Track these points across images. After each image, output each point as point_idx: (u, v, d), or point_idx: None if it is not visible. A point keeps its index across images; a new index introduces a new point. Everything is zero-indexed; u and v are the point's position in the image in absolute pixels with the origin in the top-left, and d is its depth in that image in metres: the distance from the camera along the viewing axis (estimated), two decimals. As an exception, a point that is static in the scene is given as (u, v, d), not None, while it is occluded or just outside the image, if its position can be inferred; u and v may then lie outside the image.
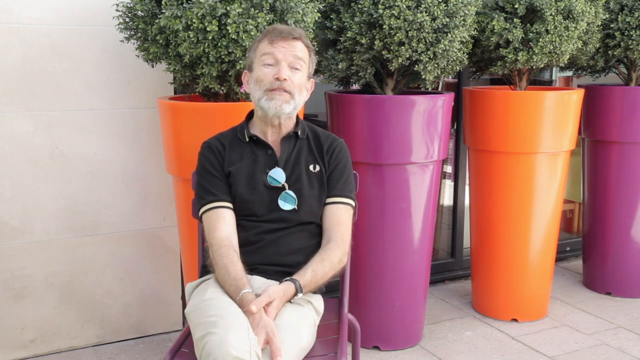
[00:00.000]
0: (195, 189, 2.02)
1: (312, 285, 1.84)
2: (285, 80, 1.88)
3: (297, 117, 2.04)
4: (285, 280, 1.80)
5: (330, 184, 1.99)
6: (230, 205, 1.94)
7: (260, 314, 1.67)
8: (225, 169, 1.95)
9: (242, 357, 1.52)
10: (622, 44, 3.15)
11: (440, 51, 2.51)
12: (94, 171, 2.81)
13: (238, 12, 2.15)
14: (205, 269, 2.00)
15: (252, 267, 1.89)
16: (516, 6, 2.75)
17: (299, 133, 2.00)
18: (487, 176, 3.08)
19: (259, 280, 1.86)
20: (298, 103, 1.93)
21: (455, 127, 3.74)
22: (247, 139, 1.98)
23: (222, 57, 2.21)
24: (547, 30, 2.75)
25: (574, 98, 3.01)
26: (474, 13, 2.62)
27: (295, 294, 1.78)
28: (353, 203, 2.01)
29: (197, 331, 1.65)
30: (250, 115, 2.05)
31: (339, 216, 1.97)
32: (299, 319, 1.76)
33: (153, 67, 2.65)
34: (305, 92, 1.98)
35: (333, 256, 1.89)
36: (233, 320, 1.62)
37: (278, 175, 1.94)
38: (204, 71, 2.25)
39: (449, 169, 3.90)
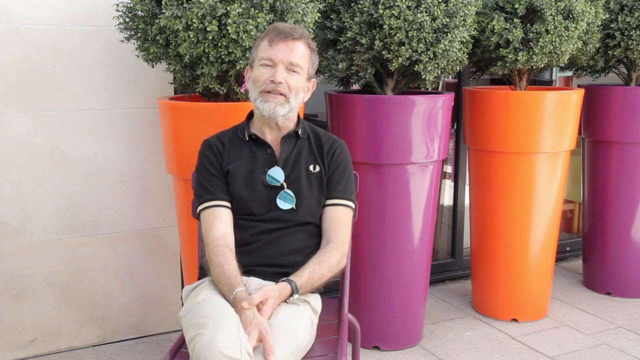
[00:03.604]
0: (194, 187, 2.02)
1: (309, 286, 1.83)
2: (280, 83, 1.86)
3: (298, 116, 2.03)
4: (282, 281, 1.79)
5: (330, 185, 1.98)
6: (228, 204, 1.93)
7: (254, 313, 1.66)
8: (224, 167, 1.95)
9: (234, 355, 1.52)
10: (622, 44, 3.15)
11: (440, 51, 2.51)
12: (94, 171, 2.81)
13: (238, 12, 2.15)
14: (202, 270, 2.00)
15: (249, 269, 1.88)
16: (516, 6, 2.75)
17: (300, 132, 1.99)
18: (487, 176, 3.08)
19: (255, 282, 1.86)
20: (294, 106, 1.92)
21: (455, 127, 3.74)
22: (247, 138, 1.98)
23: (222, 57, 2.21)
24: (547, 30, 2.75)
25: (574, 98, 3.01)
26: (474, 13, 2.62)
27: (291, 295, 1.78)
28: (353, 205, 2.01)
29: (188, 334, 1.66)
30: (251, 114, 2.05)
31: (339, 218, 1.96)
32: (294, 317, 1.76)
33: (153, 67, 2.65)
34: (303, 94, 1.95)
35: (332, 258, 1.88)
36: (222, 320, 1.62)
37: (277, 174, 1.94)
38: (204, 71, 2.25)
39: (449, 169, 3.90)
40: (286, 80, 1.87)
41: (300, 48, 1.90)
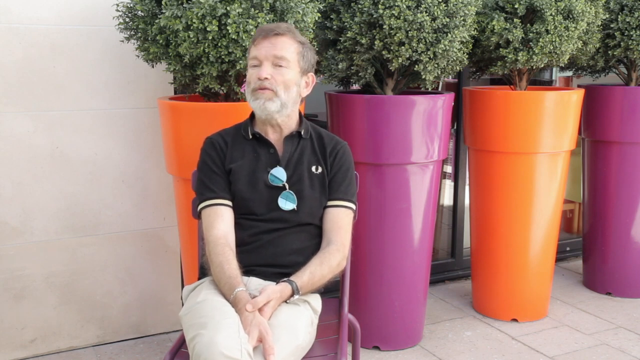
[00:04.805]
0: (195, 185, 2.01)
1: (309, 287, 1.83)
2: (266, 79, 1.86)
3: (301, 116, 2.03)
4: (283, 281, 1.79)
5: (332, 186, 1.98)
6: (229, 202, 1.93)
7: (254, 313, 1.66)
8: (226, 166, 1.95)
9: (233, 355, 1.52)
10: (622, 44, 3.15)
11: (440, 51, 2.51)
12: (94, 171, 2.81)
13: (238, 12, 2.15)
14: (202, 270, 1.99)
15: (250, 269, 1.88)
16: (516, 6, 2.75)
17: (302, 133, 1.99)
18: (487, 176, 3.08)
19: (255, 282, 1.86)
20: (285, 100, 1.89)
21: (455, 127, 3.74)
22: (250, 136, 1.97)
23: (222, 57, 2.21)
24: (547, 30, 2.75)
25: (574, 98, 3.01)
26: (474, 13, 2.62)
27: (292, 295, 1.78)
28: (354, 207, 2.00)
29: (188, 333, 1.66)
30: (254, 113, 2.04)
31: (340, 219, 1.96)
32: (295, 317, 1.76)
33: (153, 67, 2.65)
34: (296, 88, 1.92)
35: (332, 259, 1.88)
36: (222, 320, 1.62)
37: (279, 174, 1.94)
38: (204, 71, 2.25)
39: (449, 169, 3.90)
40: (273, 75, 1.87)
41: (284, 42, 1.88)
